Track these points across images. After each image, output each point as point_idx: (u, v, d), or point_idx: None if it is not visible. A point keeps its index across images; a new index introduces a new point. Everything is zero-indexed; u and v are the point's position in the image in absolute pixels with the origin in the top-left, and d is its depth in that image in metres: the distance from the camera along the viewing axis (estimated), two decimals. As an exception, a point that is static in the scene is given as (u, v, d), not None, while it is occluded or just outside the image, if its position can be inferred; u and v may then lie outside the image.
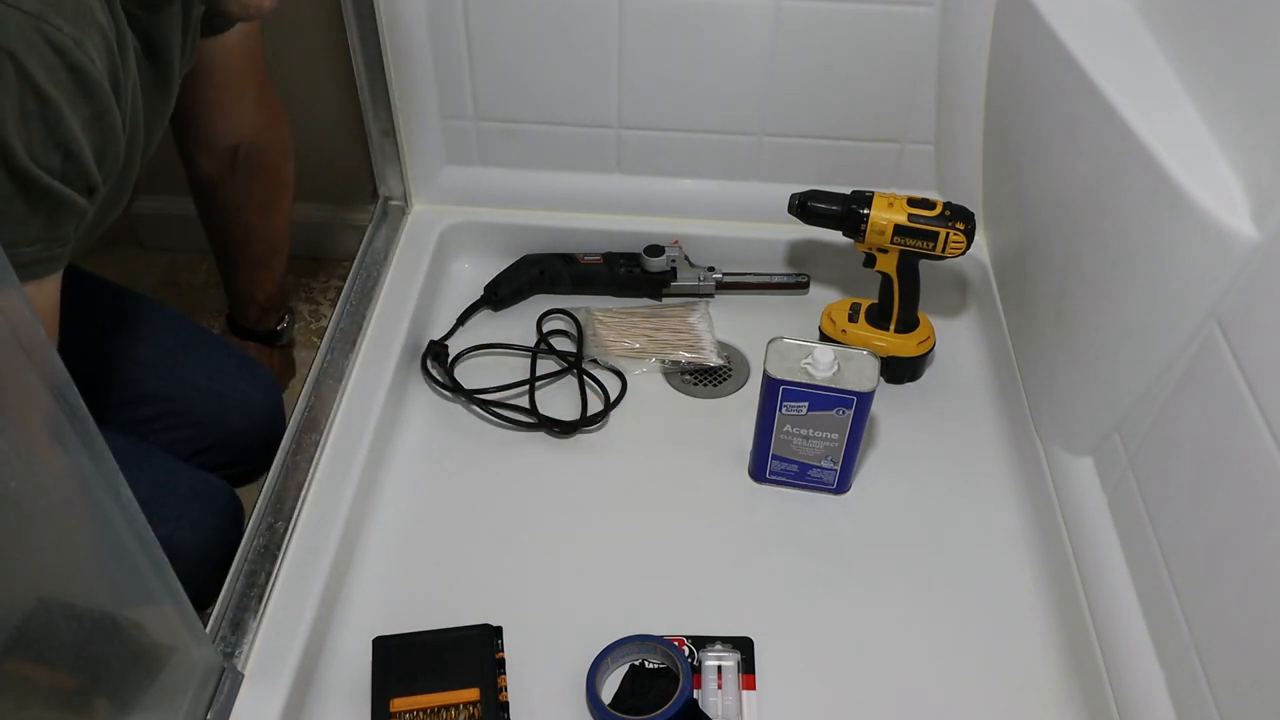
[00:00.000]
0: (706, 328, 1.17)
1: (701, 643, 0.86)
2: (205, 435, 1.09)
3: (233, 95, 1.06)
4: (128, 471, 0.96)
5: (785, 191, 1.09)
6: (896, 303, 1.09)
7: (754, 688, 0.84)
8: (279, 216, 1.23)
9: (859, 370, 0.92)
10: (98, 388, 1.03)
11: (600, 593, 0.91)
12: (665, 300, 1.21)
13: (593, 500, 1.00)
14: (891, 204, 1.03)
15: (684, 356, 1.13)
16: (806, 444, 0.96)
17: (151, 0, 0.71)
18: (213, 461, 1.10)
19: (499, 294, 1.20)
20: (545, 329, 1.18)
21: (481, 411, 1.07)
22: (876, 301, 1.11)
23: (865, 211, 1.04)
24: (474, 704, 0.80)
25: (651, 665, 0.85)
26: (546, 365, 1.13)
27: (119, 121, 0.65)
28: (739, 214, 1.24)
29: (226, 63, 1.00)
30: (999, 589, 0.93)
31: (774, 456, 0.98)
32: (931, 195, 1.10)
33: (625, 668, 0.86)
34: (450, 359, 1.12)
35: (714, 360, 1.13)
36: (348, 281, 1.14)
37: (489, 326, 1.19)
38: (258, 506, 0.90)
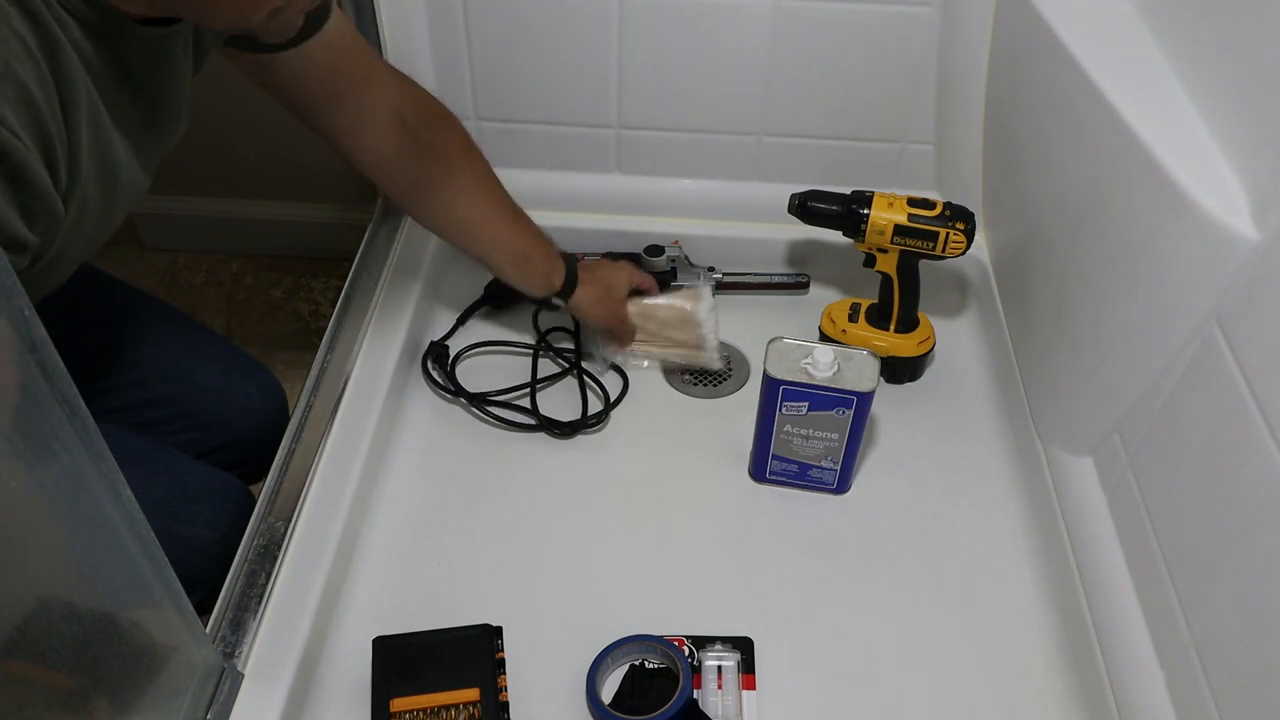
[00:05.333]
0: (712, 327, 1.14)
1: (701, 643, 0.86)
2: (214, 437, 1.09)
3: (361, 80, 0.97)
4: (143, 471, 0.95)
5: (785, 191, 1.09)
6: (896, 303, 1.09)
7: (754, 688, 0.84)
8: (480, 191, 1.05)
9: (859, 370, 0.92)
10: (108, 389, 1.03)
11: (600, 593, 0.91)
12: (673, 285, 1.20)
13: (593, 500, 1.00)
14: (891, 204, 1.03)
15: (683, 358, 1.13)
16: (806, 444, 0.96)
17: (116, 28, 0.68)
18: (221, 462, 1.10)
19: (499, 294, 1.20)
20: (543, 327, 1.18)
21: (481, 412, 1.07)
22: (876, 301, 1.11)
23: (865, 211, 1.04)
24: (474, 704, 0.80)
25: (651, 665, 0.85)
26: (546, 366, 1.13)
27: (46, 178, 0.62)
28: (739, 214, 1.24)
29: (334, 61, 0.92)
30: (999, 589, 0.93)
31: (774, 456, 0.98)
32: (931, 195, 1.10)
33: (625, 668, 0.86)
34: (451, 359, 1.12)
35: (715, 364, 1.13)
36: (348, 281, 1.14)
37: (489, 326, 1.19)
38: (258, 506, 0.90)
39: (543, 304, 1.12)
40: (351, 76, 0.93)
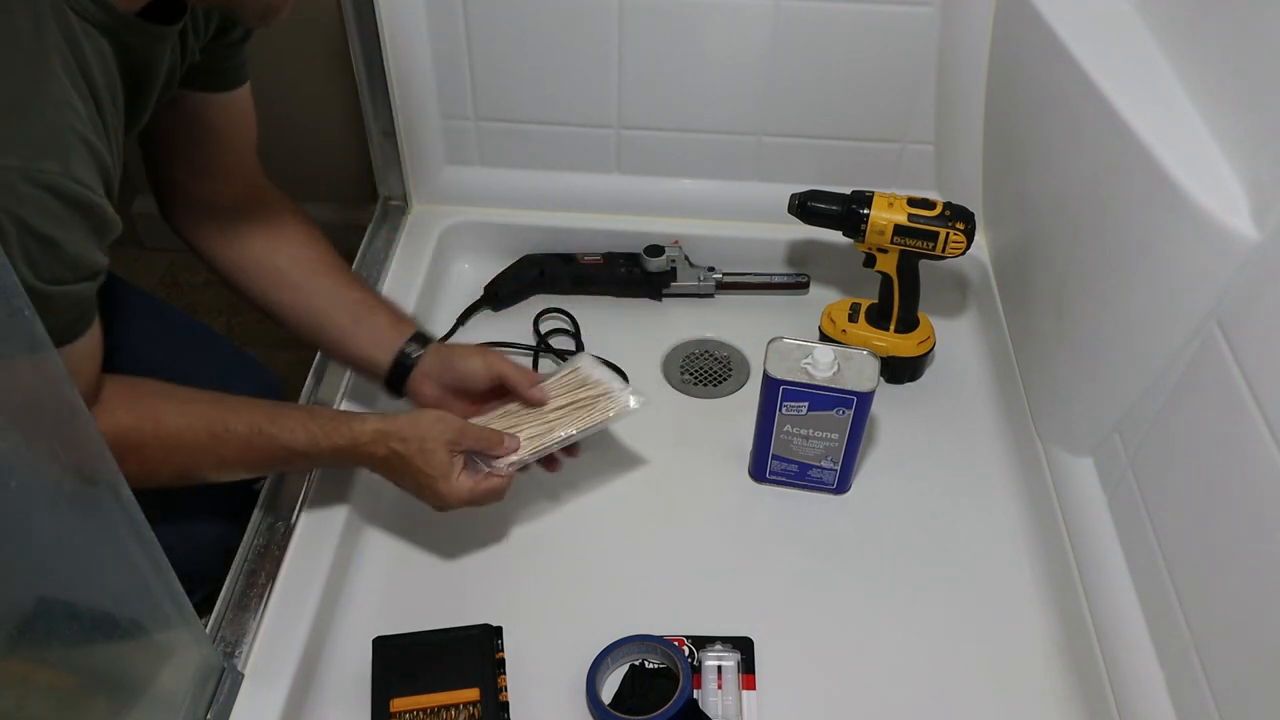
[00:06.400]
0: (605, 373, 0.96)
1: (701, 643, 0.86)
2: None
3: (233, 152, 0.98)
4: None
5: (785, 191, 1.09)
6: (896, 303, 1.09)
7: (754, 688, 0.84)
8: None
9: (859, 370, 0.92)
10: None
11: (600, 593, 0.91)
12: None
13: (593, 500, 1.00)
14: (891, 204, 1.03)
15: (601, 418, 0.91)
16: (806, 444, 0.96)
17: (120, 24, 0.70)
18: None
19: (499, 294, 1.20)
20: (544, 329, 1.18)
21: (481, 411, 1.07)
22: (876, 301, 1.11)
23: (865, 211, 1.04)
24: (474, 704, 0.80)
25: (651, 665, 0.85)
26: (546, 365, 1.13)
27: (114, 213, 0.67)
28: (739, 214, 1.24)
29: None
30: (999, 589, 0.93)
31: (774, 456, 0.98)
32: (931, 195, 1.10)
33: (625, 668, 0.86)
34: (450, 359, 1.12)
35: (633, 404, 0.92)
36: (348, 281, 1.14)
37: (489, 326, 1.19)
38: (258, 506, 0.90)
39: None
40: (235, 137, 0.94)
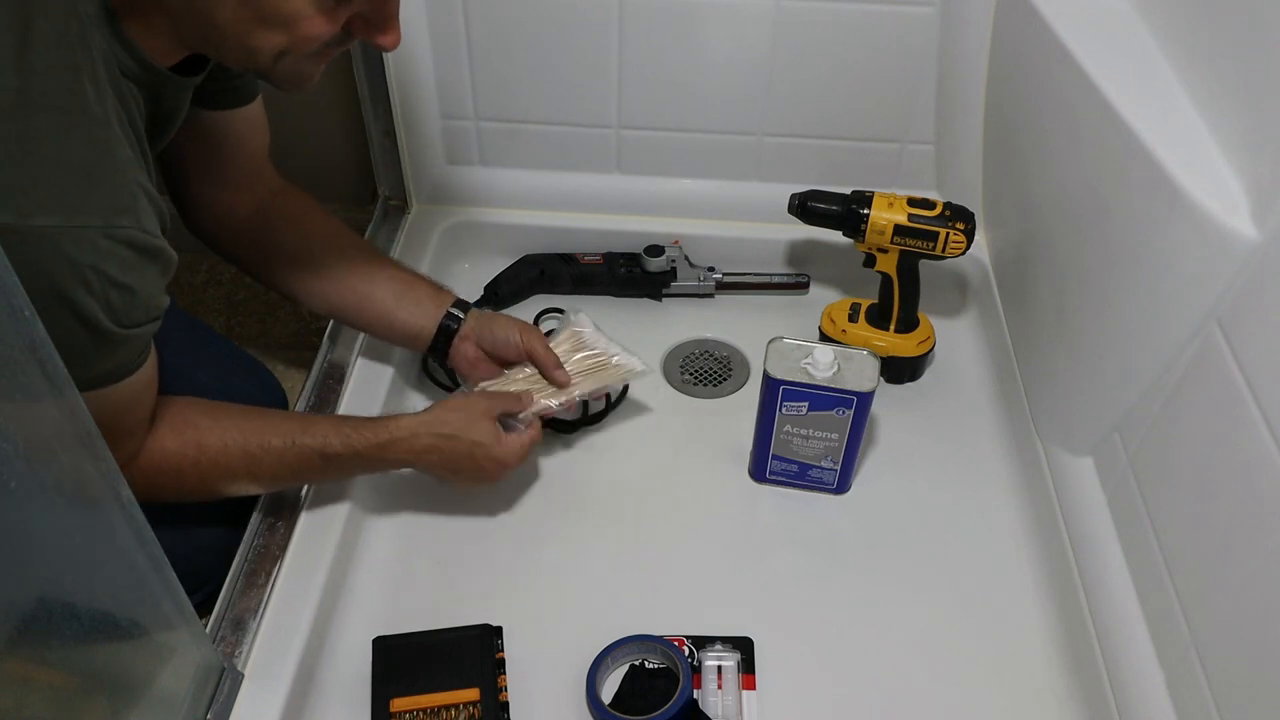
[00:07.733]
0: (606, 343, 1.03)
1: (701, 643, 0.86)
2: None
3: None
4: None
5: (785, 191, 1.09)
6: (896, 303, 1.09)
7: (754, 688, 0.84)
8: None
9: (859, 370, 0.92)
10: None
11: (600, 593, 0.91)
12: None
13: (593, 500, 1.00)
14: (891, 204, 1.03)
15: (613, 378, 1.01)
16: (806, 444, 0.96)
17: (159, 79, 0.73)
18: None
19: (499, 294, 1.20)
20: (544, 329, 1.18)
21: (481, 411, 1.07)
22: (876, 301, 1.11)
23: (865, 211, 1.04)
24: (474, 704, 0.80)
25: (651, 665, 0.85)
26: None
27: (172, 250, 0.72)
28: (739, 214, 1.24)
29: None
30: (999, 589, 0.93)
31: (774, 456, 0.98)
32: (931, 195, 1.10)
33: (625, 668, 0.86)
34: (450, 359, 1.12)
35: (640, 366, 1.01)
36: (348, 281, 1.14)
37: (489, 326, 1.18)
38: (258, 506, 0.90)
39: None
40: (252, 146, 0.97)
